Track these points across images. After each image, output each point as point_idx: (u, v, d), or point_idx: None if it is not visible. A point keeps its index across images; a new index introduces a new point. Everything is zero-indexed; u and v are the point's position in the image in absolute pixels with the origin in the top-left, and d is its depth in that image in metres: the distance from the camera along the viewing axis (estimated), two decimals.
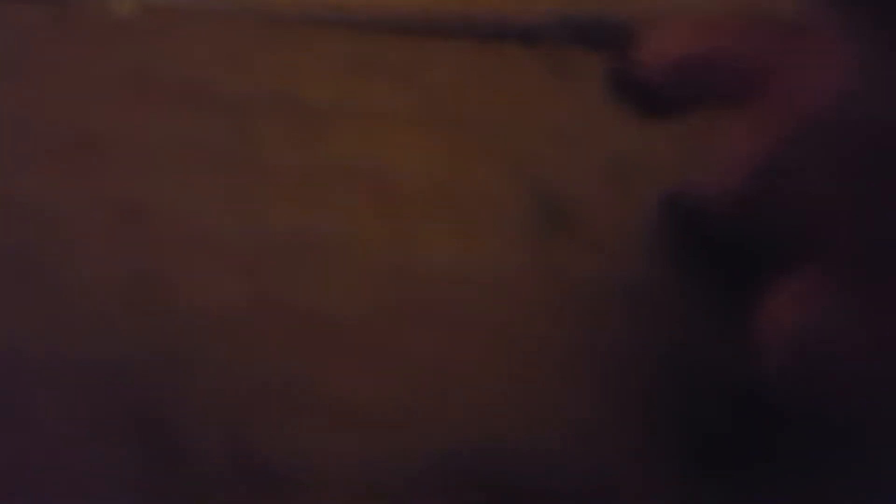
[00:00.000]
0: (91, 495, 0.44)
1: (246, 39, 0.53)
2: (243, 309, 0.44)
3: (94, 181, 0.48)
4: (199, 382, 0.46)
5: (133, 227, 0.46)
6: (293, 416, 0.46)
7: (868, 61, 0.52)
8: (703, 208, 0.55)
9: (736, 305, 0.50)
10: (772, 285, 0.51)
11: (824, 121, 0.54)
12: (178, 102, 0.52)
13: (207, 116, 0.51)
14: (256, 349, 0.45)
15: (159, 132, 0.50)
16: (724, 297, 0.52)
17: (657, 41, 0.54)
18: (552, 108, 0.49)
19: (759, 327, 0.52)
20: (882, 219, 0.54)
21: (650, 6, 0.54)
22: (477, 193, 0.46)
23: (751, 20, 0.51)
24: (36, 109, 0.52)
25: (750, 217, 0.56)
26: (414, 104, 0.47)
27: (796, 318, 0.54)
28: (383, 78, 0.49)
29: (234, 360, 0.46)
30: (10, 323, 0.45)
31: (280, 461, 0.45)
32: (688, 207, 0.55)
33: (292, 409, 0.46)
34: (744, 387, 0.52)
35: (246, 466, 0.44)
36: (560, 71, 0.51)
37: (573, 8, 0.54)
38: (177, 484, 0.44)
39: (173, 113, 0.51)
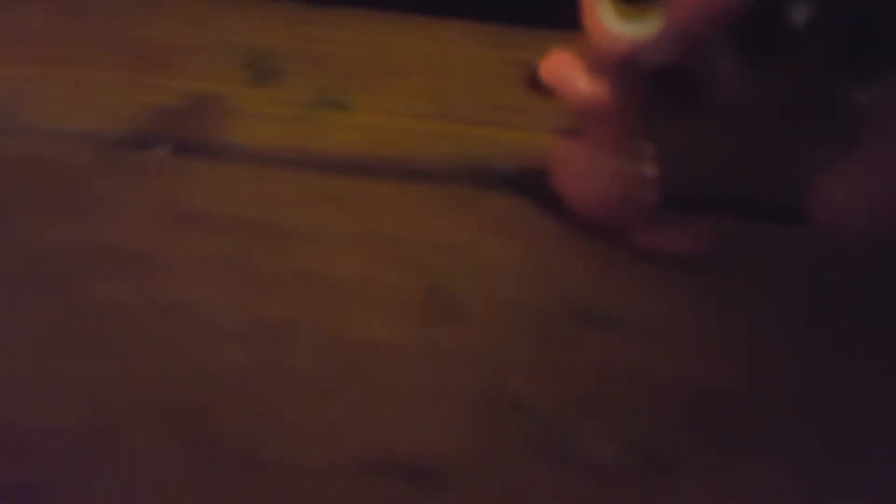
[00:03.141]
0: None
1: (240, 176, 0.68)
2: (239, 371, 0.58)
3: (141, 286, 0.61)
4: None
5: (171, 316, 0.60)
6: None
7: None
8: None
9: None
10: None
11: None
12: (196, 226, 0.64)
13: (216, 236, 0.63)
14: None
15: (182, 249, 0.63)
16: None
17: None
18: (455, 230, 0.65)
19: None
20: None
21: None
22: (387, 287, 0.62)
23: None
24: (88, 234, 0.63)
25: None
26: (353, 225, 0.65)
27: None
28: (333, 205, 0.66)
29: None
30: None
31: None
32: None
33: None
34: None
35: None
36: (461, 203, 0.67)
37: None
38: None
39: (192, 235, 0.63)
